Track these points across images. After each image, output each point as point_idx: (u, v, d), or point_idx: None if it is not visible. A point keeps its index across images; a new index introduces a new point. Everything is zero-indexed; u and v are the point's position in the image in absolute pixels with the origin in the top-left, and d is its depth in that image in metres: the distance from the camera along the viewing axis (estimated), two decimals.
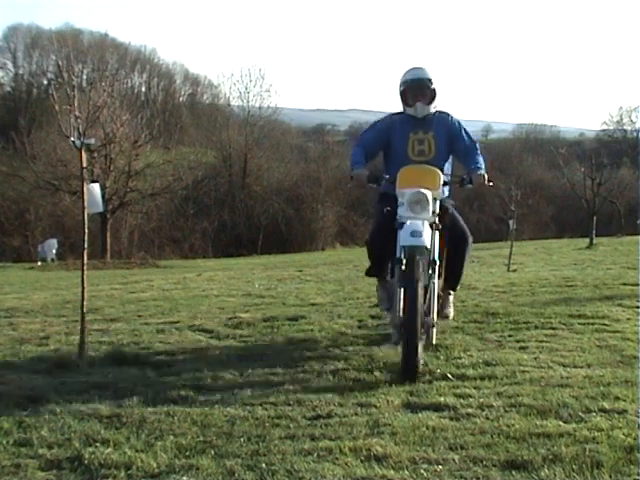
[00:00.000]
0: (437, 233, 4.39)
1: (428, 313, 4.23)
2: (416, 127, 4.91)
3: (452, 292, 5.05)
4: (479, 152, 4.94)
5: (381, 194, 4.91)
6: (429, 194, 4.36)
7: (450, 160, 5.03)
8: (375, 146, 4.99)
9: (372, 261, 4.86)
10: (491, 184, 4.72)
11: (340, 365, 4.29)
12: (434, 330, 4.43)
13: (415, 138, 4.89)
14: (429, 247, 4.25)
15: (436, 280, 4.43)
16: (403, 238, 4.20)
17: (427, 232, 4.24)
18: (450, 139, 4.92)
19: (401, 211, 4.35)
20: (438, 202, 4.49)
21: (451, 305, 5.02)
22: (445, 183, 4.76)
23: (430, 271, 4.30)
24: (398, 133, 4.95)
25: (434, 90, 4.89)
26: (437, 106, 4.96)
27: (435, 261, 4.33)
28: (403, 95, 4.92)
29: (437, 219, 4.38)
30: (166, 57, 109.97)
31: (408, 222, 4.25)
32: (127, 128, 33.05)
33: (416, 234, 4.17)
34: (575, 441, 2.77)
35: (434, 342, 4.49)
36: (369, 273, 5.05)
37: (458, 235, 4.78)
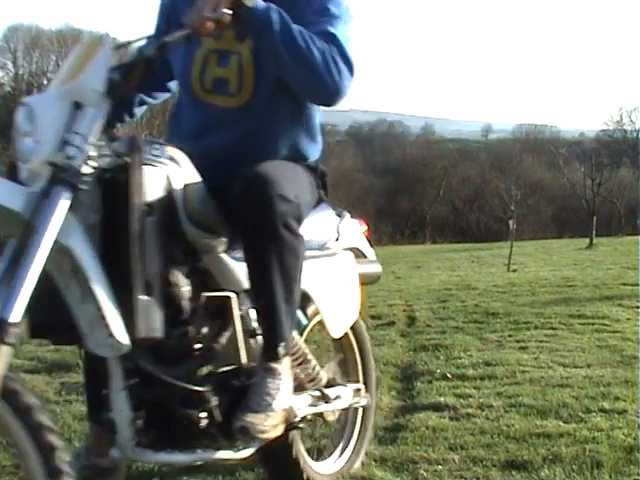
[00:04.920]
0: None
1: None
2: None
3: (273, 364, 1.88)
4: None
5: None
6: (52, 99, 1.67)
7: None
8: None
9: None
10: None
11: None
12: None
13: (211, 52, 2.03)
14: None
15: None
16: None
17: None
18: None
19: None
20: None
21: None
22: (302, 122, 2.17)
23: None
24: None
25: None
26: None
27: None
28: None
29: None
30: None
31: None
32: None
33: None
34: (575, 441, 2.76)
35: None
36: None
37: (252, 213, 1.84)
